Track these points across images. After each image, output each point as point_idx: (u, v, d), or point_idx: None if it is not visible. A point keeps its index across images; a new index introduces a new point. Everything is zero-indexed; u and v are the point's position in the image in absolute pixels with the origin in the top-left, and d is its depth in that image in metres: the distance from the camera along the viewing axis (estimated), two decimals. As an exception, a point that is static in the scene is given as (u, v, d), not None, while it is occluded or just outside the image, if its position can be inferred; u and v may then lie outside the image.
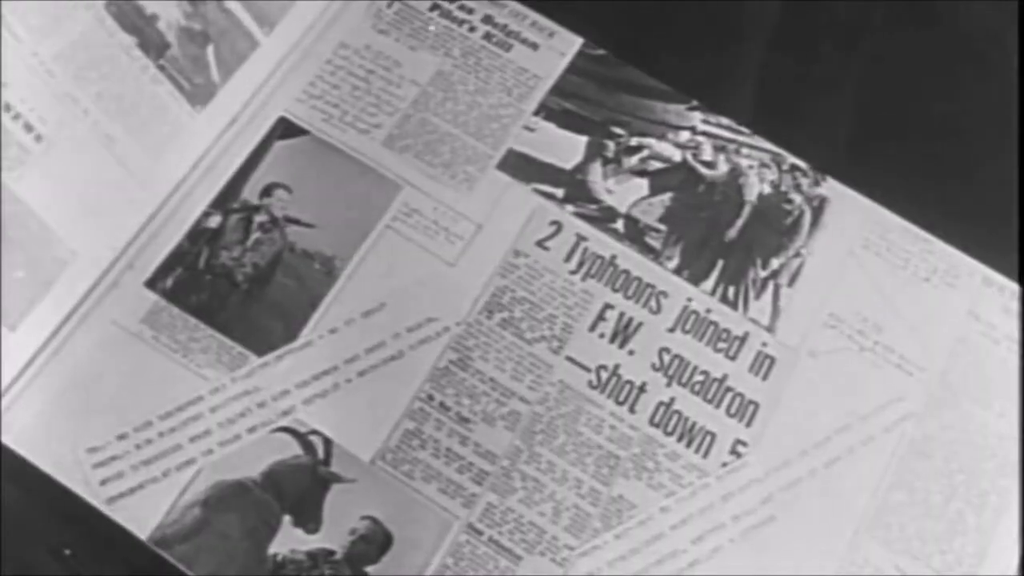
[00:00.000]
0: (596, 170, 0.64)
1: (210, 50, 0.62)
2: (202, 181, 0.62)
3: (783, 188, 0.65)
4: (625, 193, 0.64)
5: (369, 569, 0.55)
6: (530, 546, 0.56)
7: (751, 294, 0.62)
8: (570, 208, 0.63)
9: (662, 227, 0.64)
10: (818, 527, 0.58)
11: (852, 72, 0.69)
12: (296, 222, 0.62)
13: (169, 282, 0.60)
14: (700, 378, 0.60)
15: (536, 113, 0.65)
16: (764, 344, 0.61)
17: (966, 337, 0.62)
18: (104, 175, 0.59)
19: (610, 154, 0.65)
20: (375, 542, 0.55)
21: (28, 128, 0.55)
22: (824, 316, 0.62)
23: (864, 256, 0.64)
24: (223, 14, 0.62)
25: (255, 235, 0.61)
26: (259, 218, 0.62)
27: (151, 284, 0.60)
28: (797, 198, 0.65)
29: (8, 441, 0.56)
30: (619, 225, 0.63)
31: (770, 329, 0.62)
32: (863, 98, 0.69)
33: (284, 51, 0.65)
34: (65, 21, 0.56)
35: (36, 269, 0.56)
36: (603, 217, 0.63)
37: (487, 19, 0.67)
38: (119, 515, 0.55)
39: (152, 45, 0.60)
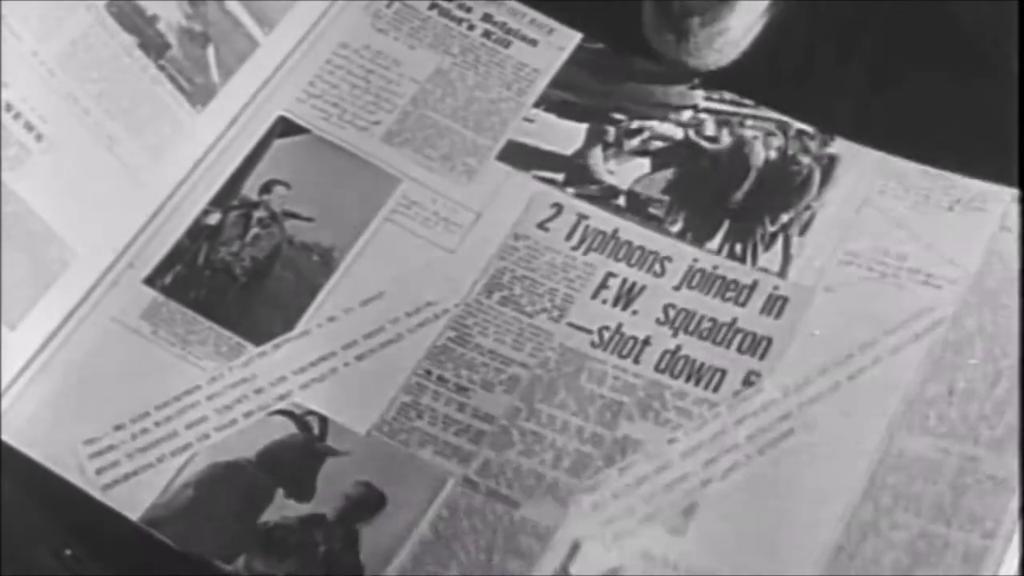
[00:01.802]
0: (597, 154, 0.64)
1: (210, 50, 0.63)
2: (202, 180, 0.62)
3: (791, 152, 0.63)
4: (626, 172, 0.63)
5: (361, 527, 0.53)
6: (528, 491, 0.54)
7: (760, 248, 0.60)
8: (571, 190, 0.62)
9: (665, 197, 0.62)
10: (844, 433, 0.54)
11: (851, 72, 0.69)
12: (295, 216, 0.61)
13: (168, 279, 0.60)
14: (708, 325, 0.58)
15: (536, 105, 0.65)
16: (775, 288, 0.59)
17: (999, 248, 0.59)
18: (104, 175, 0.59)
19: (611, 139, 0.64)
20: (368, 503, 0.53)
21: (29, 127, 0.56)
22: (840, 255, 0.59)
23: (881, 201, 0.61)
24: (223, 15, 0.63)
25: (254, 230, 0.61)
26: (258, 214, 0.62)
27: (150, 281, 0.59)
28: (806, 159, 0.63)
29: (8, 439, 0.55)
30: (621, 200, 0.62)
31: (781, 274, 0.59)
32: (862, 98, 0.68)
33: (284, 51, 0.65)
34: (66, 21, 0.58)
35: (36, 268, 0.56)
36: (604, 196, 0.62)
37: (486, 17, 0.67)
38: (113, 502, 0.54)
39: (153, 45, 0.61)
